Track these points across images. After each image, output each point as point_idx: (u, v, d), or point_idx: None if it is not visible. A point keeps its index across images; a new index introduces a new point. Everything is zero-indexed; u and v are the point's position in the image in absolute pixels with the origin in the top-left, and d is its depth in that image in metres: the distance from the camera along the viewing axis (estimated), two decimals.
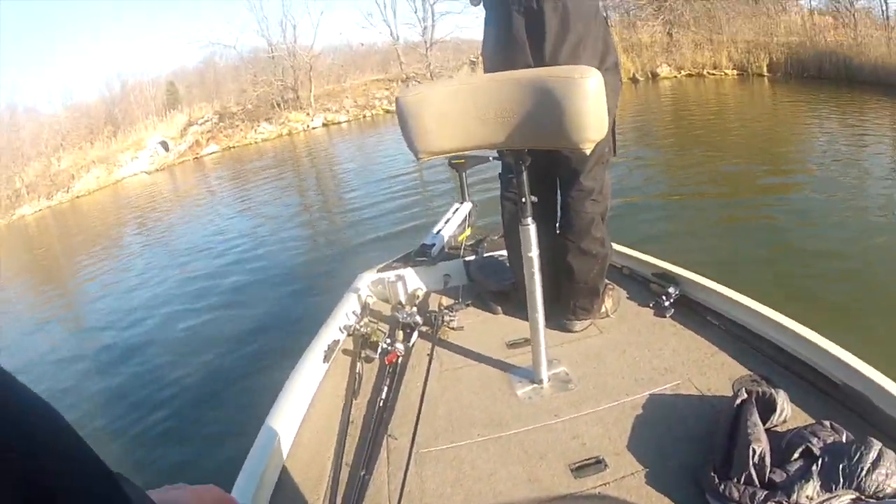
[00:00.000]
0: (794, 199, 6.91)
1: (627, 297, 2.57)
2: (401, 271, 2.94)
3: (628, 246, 2.85)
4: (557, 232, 2.42)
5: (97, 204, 20.23)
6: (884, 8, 20.10)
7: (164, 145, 25.23)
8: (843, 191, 6.87)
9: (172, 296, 7.48)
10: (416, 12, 28.61)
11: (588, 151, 1.55)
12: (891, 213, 5.96)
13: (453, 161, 3.41)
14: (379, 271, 2.98)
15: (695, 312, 2.34)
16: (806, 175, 7.90)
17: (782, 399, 1.63)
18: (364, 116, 26.08)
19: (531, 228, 1.82)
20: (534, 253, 1.84)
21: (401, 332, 2.46)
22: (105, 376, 5.51)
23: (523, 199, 1.79)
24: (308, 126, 25.34)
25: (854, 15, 20.05)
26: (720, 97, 17.53)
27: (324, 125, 25.48)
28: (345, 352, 2.45)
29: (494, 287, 2.70)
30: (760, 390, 1.65)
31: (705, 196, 7.57)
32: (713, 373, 1.95)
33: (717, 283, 2.34)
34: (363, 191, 11.35)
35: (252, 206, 12.36)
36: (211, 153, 24.25)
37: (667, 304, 2.38)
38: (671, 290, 2.40)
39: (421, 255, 3.08)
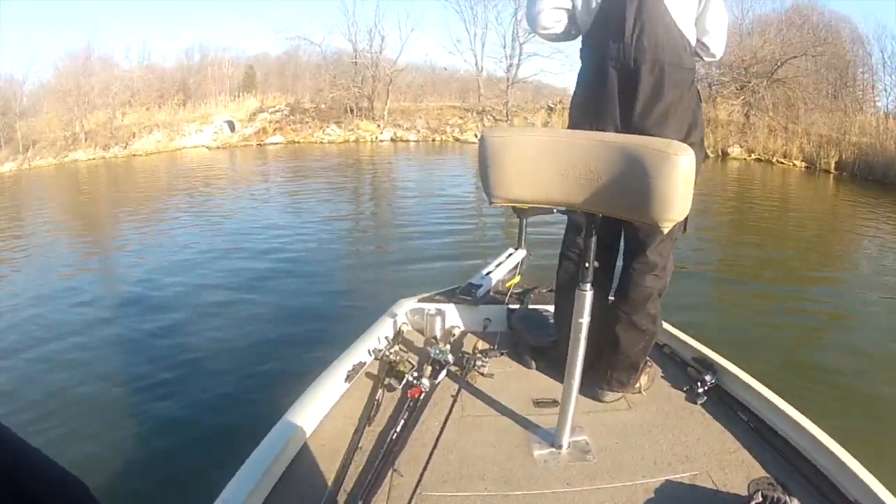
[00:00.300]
0: (835, 293, 7.03)
1: (662, 376, 2.51)
2: (442, 306, 2.88)
3: (671, 320, 2.77)
4: (610, 299, 2.38)
5: (152, 165, 20.29)
6: None
7: (231, 125, 25.66)
8: (882, 291, 7.01)
9: (202, 281, 7.10)
10: (504, 47, 28.90)
11: (666, 230, 1.50)
12: None
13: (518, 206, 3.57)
14: (420, 301, 2.94)
15: (726, 405, 2.27)
16: (850, 272, 8.12)
17: None
18: (433, 140, 26.19)
19: (588, 294, 1.77)
20: (585, 320, 1.79)
21: (429, 368, 2.40)
22: (117, 354, 5.16)
23: (586, 264, 1.73)
24: (377, 137, 25.60)
25: None
26: (784, 186, 17.57)
27: (392, 140, 25.74)
28: (368, 375, 2.42)
29: (534, 341, 2.62)
30: (775, 496, 1.64)
31: (749, 276, 7.64)
32: (732, 469, 1.89)
33: (753, 377, 2.29)
34: (417, 214, 11.04)
35: (303, 205, 12.09)
36: (275, 143, 24.61)
37: (700, 391, 2.32)
38: (707, 377, 2.35)
39: (466, 294, 3.01)
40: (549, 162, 1.54)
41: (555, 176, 1.54)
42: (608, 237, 2.21)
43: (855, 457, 1.78)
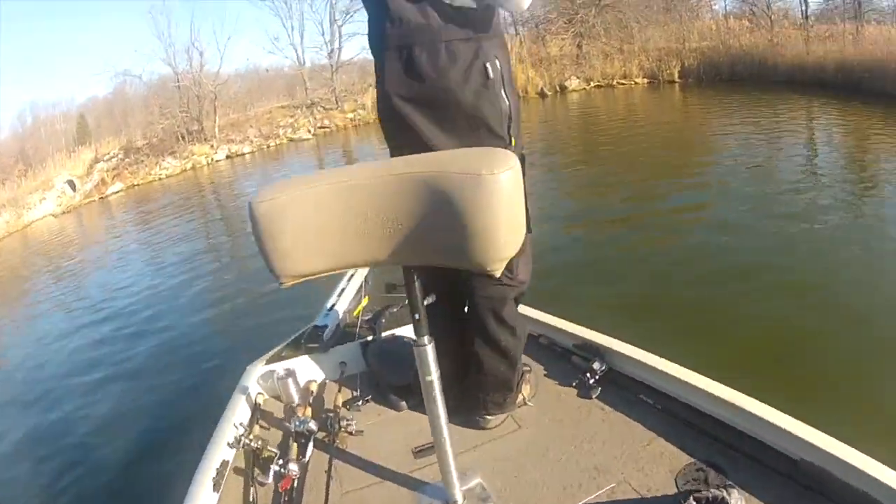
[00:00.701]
0: (710, 216, 6.49)
1: (546, 374, 2.29)
2: (291, 363, 2.57)
3: (538, 305, 2.50)
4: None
5: (6, 252, 17.85)
6: (803, 8, 20.38)
7: (72, 185, 22.94)
8: (756, 200, 6.60)
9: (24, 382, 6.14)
10: (322, 34, 27.82)
11: (499, 274, 1.18)
12: (815, 220, 5.69)
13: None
14: (268, 362, 2.60)
15: (625, 390, 2.08)
16: (719, 187, 7.52)
17: (735, 500, 1.45)
18: (268, 146, 24.64)
19: (428, 349, 1.43)
20: (434, 377, 1.47)
21: (295, 445, 2.07)
22: None
23: (416, 315, 1.41)
24: (212, 159, 23.67)
25: (771, 17, 20.06)
26: (629, 106, 17.22)
27: (227, 157, 23.81)
28: (237, 471, 2.08)
29: (396, 380, 2.32)
30: (710, 495, 1.47)
31: (616, 222, 6.94)
32: (652, 467, 1.71)
33: (648, 352, 2.08)
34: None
35: (146, 258, 10.73)
36: (116, 192, 22.14)
37: (592, 381, 2.10)
38: (595, 364, 2.12)
39: (312, 340, 2.69)
40: (336, 218, 1.24)
41: (349, 234, 1.25)
42: None
43: (786, 412, 1.64)
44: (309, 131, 24.09)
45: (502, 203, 1.09)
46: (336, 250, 1.27)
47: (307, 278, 1.35)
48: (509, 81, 1.70)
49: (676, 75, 19.44)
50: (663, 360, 2.03)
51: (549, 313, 2.54)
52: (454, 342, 1.88)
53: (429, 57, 1.59)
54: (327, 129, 23.97)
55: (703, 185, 7.77)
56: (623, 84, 20.53)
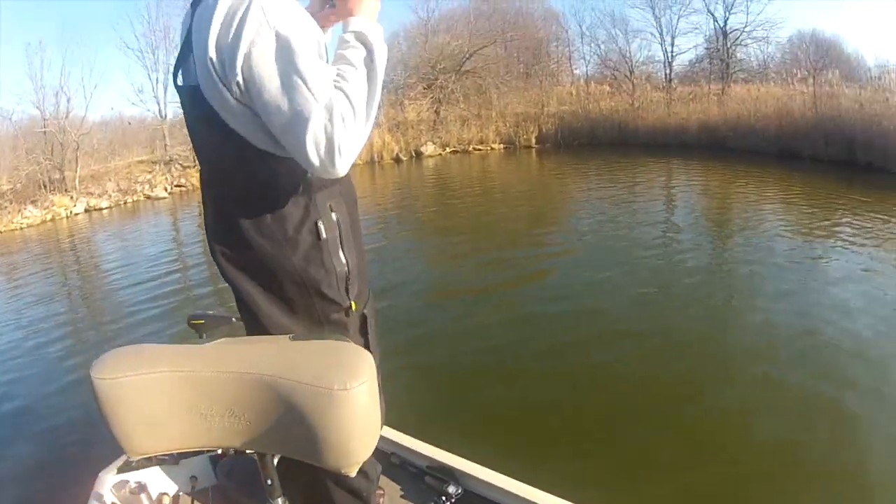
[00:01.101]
0: (562, 285, 6.09)
1: (402, 496, 2.21)
2: (142, 474, 2.34)
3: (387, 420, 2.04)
4: None
5: None
6: (667, 71, 20.49)
7: None
8: (607, 272, 6.19)
9: None
10: None
11: (353, 474, 1.15)
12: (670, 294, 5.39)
13: (192, 321, 2.15)
14: (119, 471, 2.34)
15: None
16: (569, 255, 7.17)
17: None
18: (126, 202, 23.07)
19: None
20: None
21: None
22: None
23: (269, 481, 1.29)
24: (71, 212, 21.87)
25: (633, 81, 19.99)
26: (484, 172, 16.55)
27: (86, 211, 22.14)
28: None
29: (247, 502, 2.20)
30: None
31: (470, 290, 6.38)
32: None
33: (503, 474, 2.03)
34: (118, 312, 7.97)
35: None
36: None
37: None
38: (451, 488, 2.08)
39: None
40: (182, 406, 1.18)
41: (197, 421, 1.19)
42: None
43: None
44: (166, 189, 23.00)
45: (356, 418, 1.09)
46: (185, 433, 1.21)
47: (154, 455, 1.33)
48: (349, 237, 1.52)
49: (534, 140, 19.22)
50: (519, 483, 2.03)
51: (400, 431, 2.43)
52: (306, 483, 1.64)
53: (250, 215, 1.44)
54: (184, 188, 22.87)
55: (554, 254, 7.36)
56: (479, 150, 19.96)
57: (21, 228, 20.64)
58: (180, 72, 1.45)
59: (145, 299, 8.03)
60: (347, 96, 1.27)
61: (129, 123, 29.94)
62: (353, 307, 1.52)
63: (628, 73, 20.11)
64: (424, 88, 22.67)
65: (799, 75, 15.34)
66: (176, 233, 15.48)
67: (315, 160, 1.21)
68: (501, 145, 19.71)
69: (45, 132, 24.59)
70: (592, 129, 17.88)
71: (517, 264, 7.13)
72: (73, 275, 11.83)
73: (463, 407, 4.43)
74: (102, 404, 1.16)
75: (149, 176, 24.88)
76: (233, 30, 1.26)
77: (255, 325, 1.57)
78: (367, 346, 1.54)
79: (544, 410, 4.01)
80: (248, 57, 1.25)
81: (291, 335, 1.33)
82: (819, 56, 20.50)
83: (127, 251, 13.66)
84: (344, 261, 1.49)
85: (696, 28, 22.25)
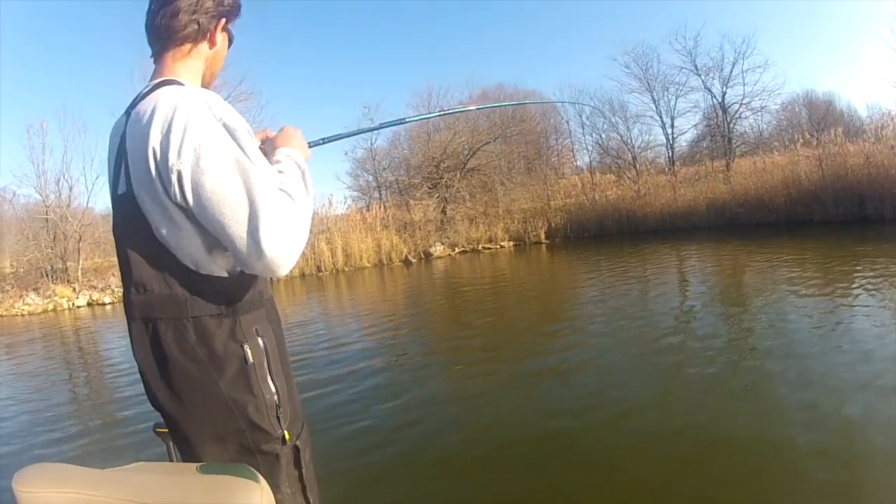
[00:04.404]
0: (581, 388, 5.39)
1: None
2: None
3: None
4: None
5: None
6: (669, 154, 20.67)
7: None
8: (631, 374, 5.46)
9: None
10: None
11: None
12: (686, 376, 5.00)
13: (157, 430, 1.87)
14: None
15: None
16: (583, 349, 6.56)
17: None
18: None
19: None
20: None
21: None
22: None
23: None
24: (73, 304, 21.81)
25: (637, 167, 19.97)
26: (496, 271, 15.89)
27: (88, 304, 22.00)
28: None
29: None
30: None
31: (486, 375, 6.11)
32: None
33: None
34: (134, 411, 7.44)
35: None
36: None
37: None
38: None
39: None
40: None
41: None
42: None
43: None
44: None
45: None
46: None
47: None
48: (277, 363, 1.48)
49: (543, 236, 19.10)
50: None
51: None
52: None
53: (175, 336, 1.38)
54: None
55: (575, 360, 6.50)
56: (489, 248, 19.73)
57: (23, 315, 20.78)
58: (117, 181, 1.41)
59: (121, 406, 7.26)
60: (291, 196, 1.29)
61: None
62: (287, 437, 1.46)
63: (631, 160, 20.19)
64: (430, 188, 22.77)
65: (801, 140, 15.31)
66: None
67: (268, 247, 1.20)
68: (511, 243, 19.60)
69: (47, 219, 24.49)
70: (601, 220, 17.85)
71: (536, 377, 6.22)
72: (77, 370, 11.36)
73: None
74: None
75: None
76: (178, 124, 1.25)
77: (186, 449, 1.50)
78: (300, 480, 1.48)
79: None
80: (197, 150, 1.23)
81: (202, 464, 1.33)
82: (819, 116, 20.55)
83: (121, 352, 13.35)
84: (273, 388, 1.45)
85: (695, 106, 22.58)
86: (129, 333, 1.44)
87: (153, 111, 1.29)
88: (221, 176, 1.24)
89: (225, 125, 1.28)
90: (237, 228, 1.23)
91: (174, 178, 1.25)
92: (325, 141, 1.83)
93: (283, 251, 1.23)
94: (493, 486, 3.68)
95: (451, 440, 4.54)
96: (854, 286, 7.20)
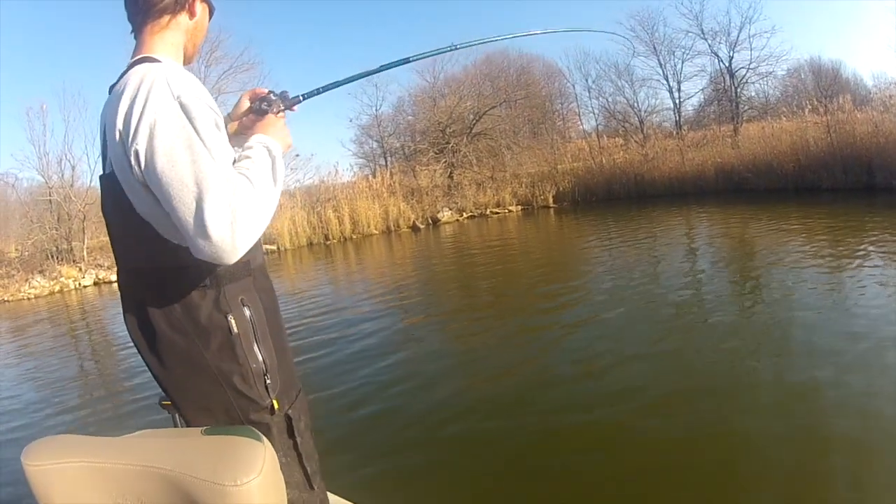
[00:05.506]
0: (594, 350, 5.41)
1: None
2: None
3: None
4: None
5: None
6: (677, 118, 20.46)
7: None
8: (642, 345, 5.33)
9: None
10: None
11: None
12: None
13: (163, 402, 1.80)
14: None
15: None
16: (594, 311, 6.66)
17: None
18: None
19: None
20: None
21: None
22: None
23: None
24: (80, 283, 21.41)
25: (644, 131, 19.90)
26: (504, 235, 15.87)
27: (95, 283, 21.59)
28: None
29: None
30: None
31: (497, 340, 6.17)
32: None
33: None
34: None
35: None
36: None
37: None
38: None
39: None
40: (94, 492, 1.27)
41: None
42: None
43: None
44: None
45: None
46: None
47: None
48: (265, 332, 1.49)
49: (551, 200, 18.91)
50: None
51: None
52: None
53: (162, 310, 1.42)
54: None
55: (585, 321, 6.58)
56: (497, 213, 19.60)
57: (29, 298, 20.56)
58: (104, 162, 1.44)
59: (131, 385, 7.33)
60: (251, 181, 1.26)
61: None
62: (276, 406, 1.48)
63: (638, 124, 20.03)
64: (436, 153, 22.64)
65: (809, 106, 15.19)
66: None
67: (214, 230, 1.16)
68: (519, 207, 19.48)
69: (50, 200, 24.38)
70: (609, 183, 17.72)
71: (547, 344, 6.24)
72: (84, 347, 11.45)
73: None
74: (32, 489, 1.25)
75: None
76: (139, 103, 1.27)
77: (180, 417, 1.57)
78: (295, 449, 1.50)
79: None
80: (151, 128, 1.24)
81: (206, 428, 1.38)
82: (826, 84, 20.41)
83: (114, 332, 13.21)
84: (260, 357, 1.46)
85: (702, 70, 22.21)
86: (122, 310, 1.49)
87: (122, 91, 1.31)
88: (170, 155, 1.24)
89: (182, 104, 1.28)
90: (183, 210, 1.21)
91: (132, 157, 1.27)
92: (323, 89, 1.79)
93: (229, 235, 1.18)
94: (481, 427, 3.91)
95: (442, 392, 4.70)
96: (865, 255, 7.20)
